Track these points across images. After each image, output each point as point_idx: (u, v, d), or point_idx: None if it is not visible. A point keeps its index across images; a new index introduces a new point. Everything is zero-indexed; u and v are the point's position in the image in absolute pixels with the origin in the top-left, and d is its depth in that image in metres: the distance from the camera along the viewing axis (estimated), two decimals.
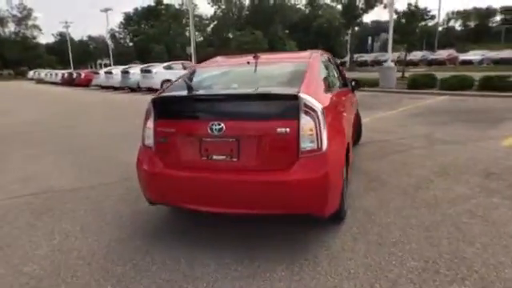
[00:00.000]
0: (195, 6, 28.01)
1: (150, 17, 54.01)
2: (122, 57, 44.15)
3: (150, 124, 2.86)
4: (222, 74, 3.20)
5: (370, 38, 41.81)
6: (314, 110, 2.49)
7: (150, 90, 17.18)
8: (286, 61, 3.48)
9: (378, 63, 32.23)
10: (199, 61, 22.47)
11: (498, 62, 30.12)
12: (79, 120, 10.53)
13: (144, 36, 47.34)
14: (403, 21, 16.87)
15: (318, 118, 2.49)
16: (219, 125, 2.55)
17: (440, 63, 33.78)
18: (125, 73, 18.79)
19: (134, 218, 3.41)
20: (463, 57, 35.30)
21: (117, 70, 20.53)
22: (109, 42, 49.73)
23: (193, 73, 3.19)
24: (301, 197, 2.49)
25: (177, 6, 51.89)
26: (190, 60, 22.81)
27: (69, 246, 2.95)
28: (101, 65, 64.92)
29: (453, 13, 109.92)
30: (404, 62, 18.51)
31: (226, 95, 2.74)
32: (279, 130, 2.48)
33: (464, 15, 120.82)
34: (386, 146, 5.56)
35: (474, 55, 34.75)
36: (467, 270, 2.37)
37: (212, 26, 47.19)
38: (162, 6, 53.25)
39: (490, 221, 3.02)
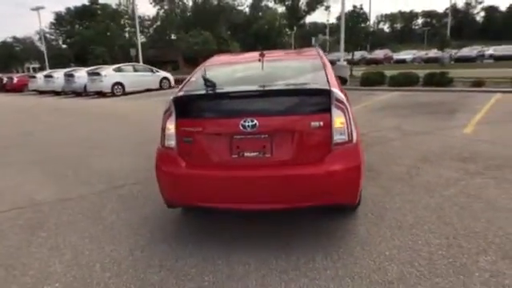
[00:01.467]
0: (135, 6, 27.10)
1: (85, 17, 50.75)
2: (57, 59, 40.87)
3: (171, 124, 2.75)
4: (238, 71, 3.17)
5: (313, 39, 43.51)
6: (343, 104, 2.59)
7: (99, 94, 16.22)
8: (297, 57, 3.55)
9: None
10: (145, 62, 21.73)
11: (427, 61, 33.15)
12: (36, 127, 9.59)
13: (79, 37, 44.32)
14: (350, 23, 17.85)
15: (347, 110, 2.60)
16: (252, 121, 2.54)
17: (377, 62, 36.29)
18: (69, 76, 17.47)
19: (145, 224, 3.25)
20: (397, 56, 38.32)
21: (58, 74, 19.01)
22: (38, 43, 45.80)
23: (206, 71, 3.11)
24: (336, 188, 2.58)
25: (114, 6, 49.49)
26: (137, 61, 21.92)
27: (86, 259, 2.74)
28: (29, 68, 59.54)
29: (381, 16, 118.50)
30: (352, 62, 19.65)
31: (258, 91, 2.73)
32: (313, 123, 2.54)
33: (391, 18, 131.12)
34: (365, 138, 5.88)
35: (406, 54, 37.93)
36: (484, 242, 2.64)
37: (155, 26, 45.74)
38: (98, 6, 50.34)
39: (484, 198, 3.38)
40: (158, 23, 44.93)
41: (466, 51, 34.14)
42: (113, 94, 15.78)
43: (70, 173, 4.99)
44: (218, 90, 2.71)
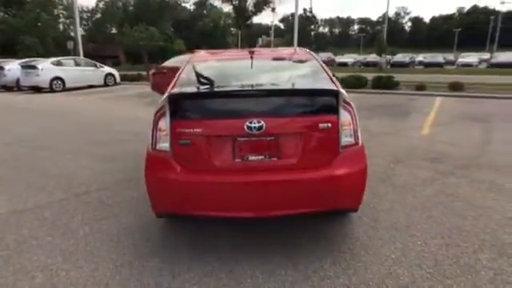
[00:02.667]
0: None
1: (11, 4, 45.77)
2: None
3: (165, 125, 2.47)
4: (232, 69, 2.94)
5: (260, 40, 44.09)
6: (350, 105, 2.53)
7: (35, 89, 14.65)
8: (289, 56, 3.40)
9: None
10: (85, 56, 20.05)
11: (366, 65, 35.19)
12: None
13: (5, 26, 39.87)
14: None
15: (353, 112, 2.54)
16: (259, 122, 2.37)
17: None
18: None
19: (127, 236, 2.90)
20: (339, 59, 40.15)
21: None
22: None
23: (196, 68, 2.85)
24: (344, 191, 2.50)
25: None
26: (76, 55, 20.21)
27: (63, 282, 2.34)
28: None
29: (321, 20, 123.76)
30: None
31: (265, 90, 2.55)
32: (321, 125, 2.44)
33: (330, 23, 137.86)
34: None
35: (348, 58, 39.89)
36: (477, 240, 2.75)
37: (94, 19, 42.63)
38: None
39: (462, 197, 3.55)
40: (98, 16, 42.04)
41: (400, 57, 36.85)
42: (51, 90, 14.33)
43: (19, 178, 4.35)
44: (219, 89, 2.49)
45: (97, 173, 4.50)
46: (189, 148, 2.44)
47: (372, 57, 37.28)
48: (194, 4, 56.54)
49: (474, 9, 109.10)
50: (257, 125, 2.36)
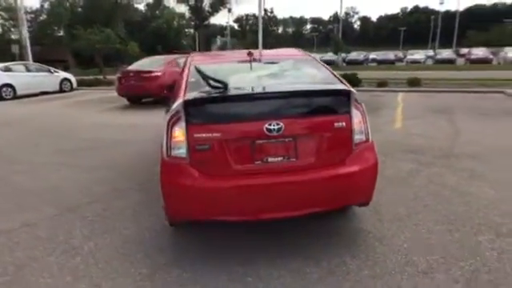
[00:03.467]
0: None
1: None
2: None
3: (180, 131, 2.41)
4: (239, 71, 2.91)
5: (218, 40, 43.87)
6: (360, 104, 2.63)
7: None
8: (290, 57, 3.43)
9: None
10: (35, 60, 18.63)
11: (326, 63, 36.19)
12: None
13: None
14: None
15: (363, 111, 2.64)
16: (278, 124, 2.39)
17: None
18: None
19: (137, 248, 2.79)
20: None
21: None
22: None
23: (203, 71, 2.78)
24: (360, 187, 2.61)
25: None
26: (22, 59, 18.81)
27: None
28: None
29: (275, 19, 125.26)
30: None
31: (283, 92, 2.56)
32: (336, 124, 2.52)
33: (284, 23, 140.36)
34: None
35: None
36: (474, 223, 2.98)
37: (38, 21, 39.83)
38: None
39: (449, 186, 3.82)
40: (44, 17, 39.37)
41: (355, 55, 38.49)
42: (0, 98, 13.25)
43: None
44: (235, 92, 2.48)
45: (82, 184, 4.26)
46: (207, 153, 2.41)
47: (329, 55, 38.53)
48: (146, 5, 54.85)
49: (416, 9, 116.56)
50: (276, 126, 2.39)
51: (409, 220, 3.09)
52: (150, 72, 10.10)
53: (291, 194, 2.46)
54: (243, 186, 2.40)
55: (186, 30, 58.11)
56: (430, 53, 40.31)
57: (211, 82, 2.55)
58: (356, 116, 2.58)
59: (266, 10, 22.23)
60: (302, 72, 3.07)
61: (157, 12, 57.74)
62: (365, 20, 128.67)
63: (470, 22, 70.02)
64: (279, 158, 2.47)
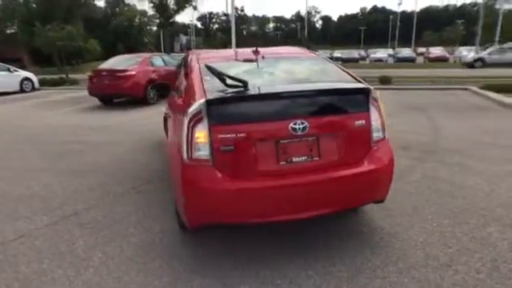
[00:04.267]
0: None
1: None
2: None
3: (203, 132, 2.31)
4: (251, 69, 2.80)
5: (184, 39, 42.87)
6: (377, 102, 2.65)
7: None
8: (298, 55, 3.38)
9: None
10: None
11: None
12: None
13: None
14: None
15: (379, 108, 2.67)
16: (303, 123, 2.36)
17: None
18: None
19: (151, 256, 2.65)
20: None
21: None
22: None
23: (213, 68, 2.67)
24: (379, 184, 2.64)
25: None
26: None
27: None
28: None
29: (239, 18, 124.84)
30: None
31: (307, 91, 2.52)
32: (357, 122, 2.53)
33: (247, 21, 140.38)
34: None
35: None
36: (479, 215, 3.11)
37: None
38: None
39: (444, 179, 3.98)
40: None
41: (321, 54, 39.22)
42: None
43: None
44: (261, 91, 2.41)
45: (72, 190, 3.99)
46: (231, 154, 2.33)
47: None
48: (106, 2, 52.82)
49: (375, 9, 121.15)
50: (301, 125, 2.36)
51: (416, 215, 3.17)
52: (124, 71, 9.70)
53: (317, 193, 2.44)
54: (269, 187, 2.35)
55: (148, 28, 56.58)
56: (390, 51, 41.98)
57: (228, 81, 2.46)
58: (374, 113, 2.60)
59: (236, 9, 22.14)
60: (316, 70, 3.05)
61: (117, 9, 55.75)
62: (326, 19, 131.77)
63: (425, 23, 73.64)
64: (303, 158, 2.44)
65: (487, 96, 9.79)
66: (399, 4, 60.94)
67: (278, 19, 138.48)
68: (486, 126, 6.63)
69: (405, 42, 61.89)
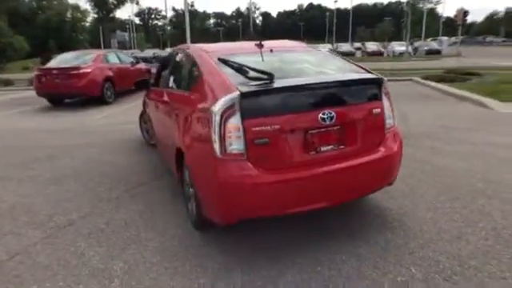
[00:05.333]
0: None
1: None
2: None
3: (236, 125, 2.27)
4: (264, 62, 2.76)
5: (127, 35, 40.66)
6: (388, 91, 2.81)
7: None
8: (303, 49, 3.41)
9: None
10: None
11: None
12: None
13: None
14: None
15: (390, 97, 2.84)
16: (330, 113, 2.43)
17: None
18: None
19: (182, 260, 2.55)
20: None
21: None
22: None
23: (230, 62, 2.61)
24: (393, 168, 2.82)
25: None
26: None
27: None
28: None
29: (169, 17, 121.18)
30: None
31: (334, 81, 2.57)
32: (374, 110, 2.67)
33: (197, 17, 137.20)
34: None
35: None
36: (466, 191, 3.45)
37: None
38: None
39: (425, 161, 4.32)
40: None
41: None
42: None
43: None
44: (292, 82, 2.44)
45: (55, 199, 3.66)
46: (265, 147, 2.32)
47: None
48: None
49: (311, 6, 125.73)
50: (329, 115, 2.43)
51: (414, 195, 3.43)
52: (78, 68, 8.99)
53: (346, 180, 2.55)
54: (304, 177, 2.39)
55: (83, 24, 52.97)
56: (329, 46, 43.92)
57: (251, 74, 2.45)
58: (386, 102, 2.76)
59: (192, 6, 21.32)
60: (326, 62, 3.13)
61: (44, 2, 51.38)
62: (266, 15, 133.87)
63: (358, 19, 78.18)
64: (330, 147, 2.52)
65: (431, 86, 10.74)
66: (335, 1, 63.84)
67: (219, 15, 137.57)
68: (439, 111, 7.31)
69: (341, 37, 65.20)
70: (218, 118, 2.29)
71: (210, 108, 2.37)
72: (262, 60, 2.80)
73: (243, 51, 3.07)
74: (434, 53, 30.98)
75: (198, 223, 2.86)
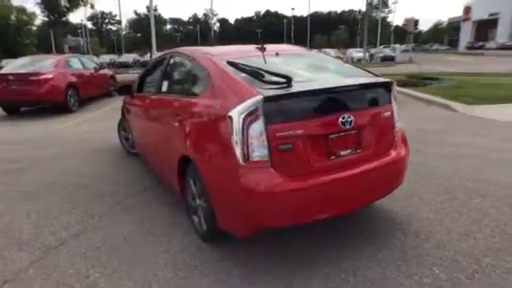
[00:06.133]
0: None
1: None
2: None
3: (260, 131, 2.17)
4: (274, 65, 2.65)
5: (81, 40, 38.60)
6: (396, 94, 2.85)
7: None
8: (304, 52, 3.36)
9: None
10: None
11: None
12: None
13: None
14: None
15: (396, 100, 2.88)
16: (349, 117, 2.41)
17: (127, 66, 34.07)
18: None
19: (198, 272, 2.39)
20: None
21: None
22: None
23: (241, 65, 2.49)
24: (403, 170, 2.85)
25: None
26: None
27: None
28: None
29: (130, 19, 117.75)
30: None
31: (353, 85, 2.54)
32: (386, 114, 2.69)
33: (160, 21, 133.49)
34: None
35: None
36: (460, 190, 3.59)
37: None
38: None
39: (416, 163, 4.42)
40: None
41: None
42: None
43: None
44: (314, 86, 2.38)
45: (35, 217, 3.31)
46: (289, 153, 2.25)
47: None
48: None
49: (268, 13, 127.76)
50: (349, 119, 2.40)
51: (414, 196, 3.50)
52: (38, 74, 8.31)
53: (365, 184, 2.54)
54: (327, 183, 2.34)
55: (29, 27, 49.81)
56: None
57: (266, 77, 2.37)
58: (394, 105, 2.80)
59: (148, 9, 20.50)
60: (332, 66, 3.11)
61: None
62: (223, 21, 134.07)
63: (314, 26, 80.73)
64: (348, 151, 2.49)
65: (399, 91, 11.23)
66: (292, 9, 65.60)
67: (175, 21, 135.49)
68: (411, 115, 7.61)
69: (299, 44, 66.74)
70: (239, 123, 2.18)
71: (228, 113, 2.25)
72: (265, 62, 2.73)
73: (249, 54, 2.97)
74: (388, 59, 32.62)
75: (208, 236, 2.71)
